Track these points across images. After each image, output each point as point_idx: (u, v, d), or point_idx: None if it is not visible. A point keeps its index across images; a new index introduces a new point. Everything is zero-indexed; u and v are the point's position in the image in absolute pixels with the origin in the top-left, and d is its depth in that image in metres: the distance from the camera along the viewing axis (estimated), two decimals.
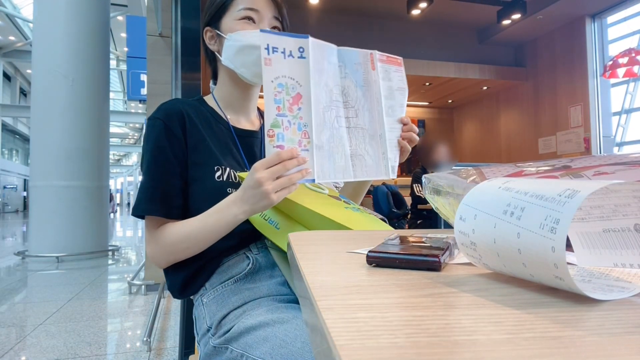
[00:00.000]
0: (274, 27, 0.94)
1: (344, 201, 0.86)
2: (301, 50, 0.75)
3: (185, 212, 0.85)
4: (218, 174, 0.86)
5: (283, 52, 0.73)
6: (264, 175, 0.71)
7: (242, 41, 0.89)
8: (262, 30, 0.74)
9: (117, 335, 2.46)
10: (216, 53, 0.95)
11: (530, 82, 7.66)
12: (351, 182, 1.03)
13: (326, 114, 0.78)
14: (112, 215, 21.28)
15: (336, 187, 1.03)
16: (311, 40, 0.76)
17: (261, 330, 0.71)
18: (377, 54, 0.89)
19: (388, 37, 7.13)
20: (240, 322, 0.76)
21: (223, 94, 0.98)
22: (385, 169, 0.86)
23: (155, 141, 0.84)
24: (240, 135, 0.95)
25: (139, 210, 0.82)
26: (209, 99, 1.00)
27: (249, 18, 0.90)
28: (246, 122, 0.99)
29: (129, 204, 36.96)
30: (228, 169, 0.87)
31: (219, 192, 0.83)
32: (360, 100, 0.85)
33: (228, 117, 0.97)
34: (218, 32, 0.93)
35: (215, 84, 1.02)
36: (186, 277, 0.85)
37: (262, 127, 1.01)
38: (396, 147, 0.90)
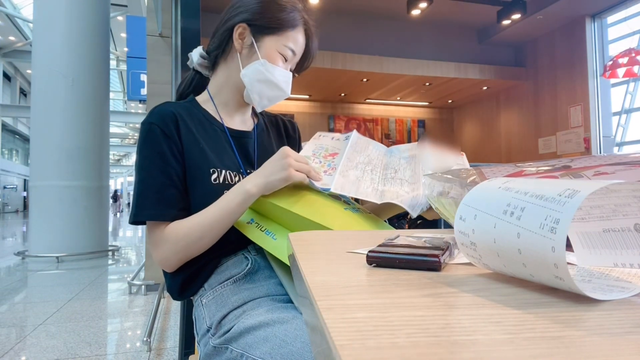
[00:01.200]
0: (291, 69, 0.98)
1: (344, 201, 0.86)
2: (347, 137, 0.94)
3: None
4: (214, 176, 0.86)
5: (332, 138, 0.97)
6: (292, 154, 0.79)
7: (272, 77, 0.91)
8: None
9: (117, 335, 2.46)
10: (236, 53, 0.93)
11: (530, 82, 7.66)
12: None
13: (359, 164, 0.89)
14: (118, 215, 21.24)
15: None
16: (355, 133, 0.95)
17: (261, 330, 0.71)
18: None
19: (388, 37, 7.13)
20: (240, 322, 0.76)
21: (220, 93, 0.97)
22: (415, 199, 0.83)
23: (153, 146, 0.83)
24: (234, 137, 0.95)
25: (146, 216, 0.80)
26: (202, 97, 0.98)
27: (285, 57, 0.93)
28: (240, 123, 0.99)
29: (128, 204, 36.96)
30: (224, 171, 0.87)
31: (216, 195, 0.83)
32: (402, 164, 0.91)
33: (222, 117, 0.96)
34: (255, 41, 0.91)
35: (209, 67, 1.00)
36: (185, 278, 0.85)
37: (255, 127, 1.01)
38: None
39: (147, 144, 0.84)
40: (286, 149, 0.79)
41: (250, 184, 0.79)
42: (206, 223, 0.79)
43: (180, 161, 0.85)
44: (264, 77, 0.91)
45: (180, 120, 0.87)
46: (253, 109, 1.06)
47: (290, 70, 0.97)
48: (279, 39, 0.91)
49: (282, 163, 0.78)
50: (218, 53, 0.96)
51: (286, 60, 0.94)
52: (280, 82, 0.92)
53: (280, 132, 1.09)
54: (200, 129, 0.90)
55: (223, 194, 0.83)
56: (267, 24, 0.91)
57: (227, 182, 0.86)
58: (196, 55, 1.00)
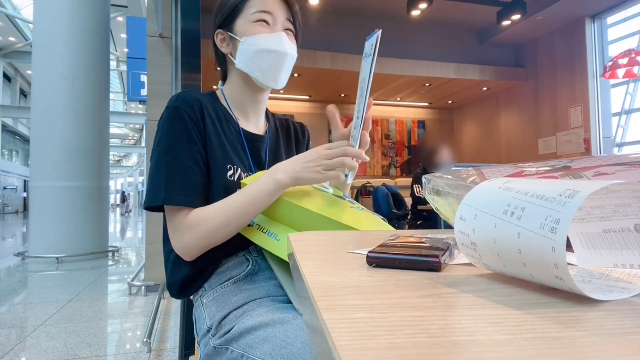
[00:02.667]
0: (287, 29, 0.93)
1: (347, 200, 0.86)
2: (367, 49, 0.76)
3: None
4: (230, 172, 0.86)
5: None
6: (323, 153, 0.78)
7: (258, 45, 0.88)
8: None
9: (117, 336, 2.46)
10: (228, 55, 0.95)
11: (530, 83, 7.66)
12: None
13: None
14: (126, 214, 21.18)
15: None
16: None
17: (261, 331, 0.71)
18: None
19: (388, 37, 7.11)
20: (240, 323, 0.76)
21: (234, 95, 0.97)
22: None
23: (180, 130, 0.82)
24: (248, 139, 0.94)
25: (176, 201, 0.78)
26: (219, 96, 0.98)
27: (263, 21, 0.89)
28: (254, 126, 0.99)
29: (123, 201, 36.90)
30: (239, 169, 0.87)
31: (231, 191, 0.83)
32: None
33: (237, 117, 0.96)
34: (231, 34, 0.92)
35: (223, 85, 1.01)
36: (186, 277, 0.85)
37: (267, 131, 1.01)
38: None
39: (173, 127, 0.82)
40: (320, 150, 0.78)
41: (281, 174, 0.78)
42: (232, 210, 0.78)
43: (205, 150, 0.85)
44: (252, 51, 0.89)
45: (204, 109, 0.87)
46: (266, 113, 1.05)
47: (290, 30, 0.94)
48: (246, 12, 0.90)
49: (315, 164, 0.77)
50: (222, 68, 1.00)
51: (269, 24, 0.90)
52: (269, 45, 0.89)
53: (290, 135, 1.08)
54: (219, 123, 0.90)
55: (236, 191, 0.82)
56: (228, 11, 0.91)
57: (240, 181, 0.86)
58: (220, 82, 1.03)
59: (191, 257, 0.82)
